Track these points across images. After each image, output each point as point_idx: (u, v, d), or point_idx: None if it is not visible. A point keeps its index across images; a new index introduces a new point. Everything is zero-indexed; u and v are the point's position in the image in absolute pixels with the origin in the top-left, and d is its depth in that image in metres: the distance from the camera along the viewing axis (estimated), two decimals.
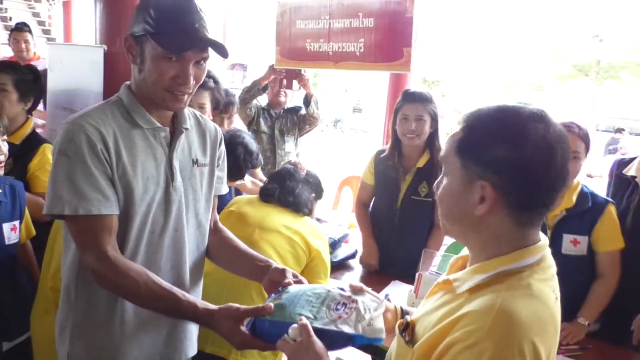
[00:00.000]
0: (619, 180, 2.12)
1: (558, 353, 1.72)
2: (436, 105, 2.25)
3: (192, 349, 1.43)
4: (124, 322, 1.27)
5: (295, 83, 3.48)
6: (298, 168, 2.04)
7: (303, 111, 3.55)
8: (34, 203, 2.02)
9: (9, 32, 4.68)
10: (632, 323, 1.94)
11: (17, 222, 1.84)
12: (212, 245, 1.45)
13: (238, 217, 1.83)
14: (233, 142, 2.16)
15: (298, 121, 3.56)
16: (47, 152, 2.22)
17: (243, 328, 1.12)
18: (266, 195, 1.91)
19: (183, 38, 1.16)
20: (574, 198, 1.93)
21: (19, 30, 4.26)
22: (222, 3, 9.08)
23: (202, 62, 1.22)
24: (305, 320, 1.03)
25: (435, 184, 0.99)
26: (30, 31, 4.32)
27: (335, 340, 1.05)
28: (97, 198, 1.16)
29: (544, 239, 0.94)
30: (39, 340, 1.77)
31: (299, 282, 1.25)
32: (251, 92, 3.45)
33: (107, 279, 1.17)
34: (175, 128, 1.31)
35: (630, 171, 2.08)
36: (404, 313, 1.21)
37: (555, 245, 1.92)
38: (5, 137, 1.84)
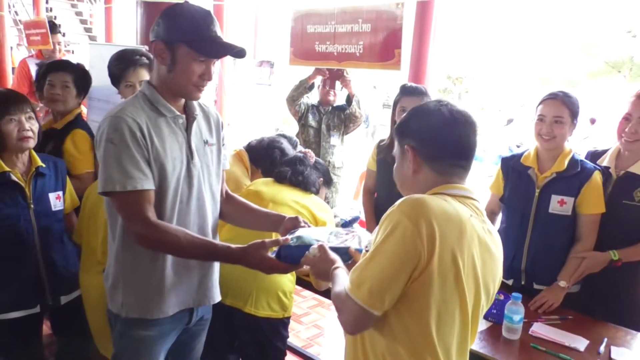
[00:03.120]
0: None
1: (537, 321, 1.96)
2: (431, 97, 2.52)
3: (218, 295, 1.72)
4: (164, 276, 1.53)
5: (337, 83, 3.80)
6: (307, 156, 2.35)
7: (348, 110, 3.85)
8: (74, 184, 2.29)
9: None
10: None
11: (60, 193, 2.11)
12: (229, 211, 1.75)
13: (255, 194, 2.15)
14: (271, 146, 2.54)
15: (344, 118, 3.86)
16: (75, 137, 2.45)
17: (270, 254, 1.43)
18: (280, 177, 2.23)
19: (215, 46, 1.45)
20: (566, 162, 2.09)
21: (53, 32, 4.56)
22: (254, 5, 9.53)
23: (216, 60, 1.52)
24: (321, 242, 1.39)
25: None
26: (61, 32, 4.64)
27: (345, 255, 1.40)
28: (139, 176, 1.40)
29: (470, 188, 1.24)
30: (91, 295, 2.05)
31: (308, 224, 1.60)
32: (298, 90, 3.82)
33: (153, 240, 1.43)
34: (188, 115, 1.57)
35: (604, 162, 2.20)
36: None
37: (542, 204, 2.13)
38: (33, 118, 2.03)
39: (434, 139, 1.22)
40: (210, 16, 1.47)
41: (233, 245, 1.48)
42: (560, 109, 2.07)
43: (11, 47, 12.55)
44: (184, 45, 1.43)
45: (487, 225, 1.24)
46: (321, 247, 1.36)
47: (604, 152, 2.26)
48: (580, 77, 16.40)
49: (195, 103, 1.60)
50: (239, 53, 1.49)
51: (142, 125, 1.44)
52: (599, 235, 2.14)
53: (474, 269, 1.17)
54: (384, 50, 2.96)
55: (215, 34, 1.46)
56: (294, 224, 1.59)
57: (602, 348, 1.80)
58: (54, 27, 4.67)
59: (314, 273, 1.38)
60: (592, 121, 11.27)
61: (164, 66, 1.48)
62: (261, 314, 1.96)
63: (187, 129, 1.56)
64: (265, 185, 2.21)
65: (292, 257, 1.42)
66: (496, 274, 1.26)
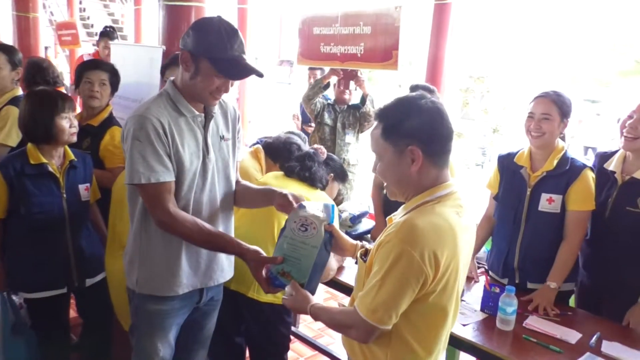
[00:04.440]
0: (601, 174, 2.20)
1: (533, 314, 2.02)
2: (438, 96, 2.62)
3: (223, 277, 1.87)
4: (176, 259, 1.69)
5: (351, 83, 3.91)
6: (319, 152, 2.45)
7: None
8: (107, 176, 2.52)
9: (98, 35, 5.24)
10: (625, 316, 2.01)
11: (88, 185, 2.31)
12: (237, 195, 1.88)
13: (263, 185, 2.26)
14: (288, 142, 2.66)
15: (359, 117, 3.98)
16: (114, 134, 2.65)
17: (264, 271, 1.59)
18: (289, 171, 2.33)
19: (235, 67, 1.58)
20: (555, 162, 2.12)
21: (111, 39, 4.77)
22: (279, 6, 9.76)
23: None
24: (293, 280, 1.50)
25: (373, 169, 1.40)
26: (117, 37, 4.88)
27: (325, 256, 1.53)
28: (162, 170, 1.57)
29: (452, 181, 1.33)
30: (115, 277, 2.15)
31: (298, 199, 1.66)
32: (314, 89, 3.97)
33: (171, 227, 1.61)
34: (207, 114, 1.71)
35: (610, 166, 2.18)
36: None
37: (534, 203, 2.16)
38: (75, 113, 2.27)
39: (439, 134, 1.27)
40: (237, 35, 1.57)
41: (236, 244, 1.65)
42: (549, 107, 2.11)
43: (46, 48, 13.08)
44: (207, 60, 1.56)
45: (464, 207, 1.34)
46: (294, 285, 1.48)
47: (613, 153, 2.23)
48: (611, 76, 15.96)
49: None
50: (257, 75, 1.62)
51: (165, 124, 1.58)
52: (600, 243, 2.14)
53: (463, 258, 1.31)
54: (383, 52, 3.11)
55: (238, 54, 1.57)
56: (283, 201, 1.67)
57: (593, 341, 1.84)
58: (111, 34, 4.92)
59: (292, 309, 1.51)
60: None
61: (187, 73, 1.61)
62: (264, 299, 2.07)
63: (205, 127, 1.70)
64: (274, 179, 2.32)
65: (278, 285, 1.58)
66: (472, 244, 1.40)
